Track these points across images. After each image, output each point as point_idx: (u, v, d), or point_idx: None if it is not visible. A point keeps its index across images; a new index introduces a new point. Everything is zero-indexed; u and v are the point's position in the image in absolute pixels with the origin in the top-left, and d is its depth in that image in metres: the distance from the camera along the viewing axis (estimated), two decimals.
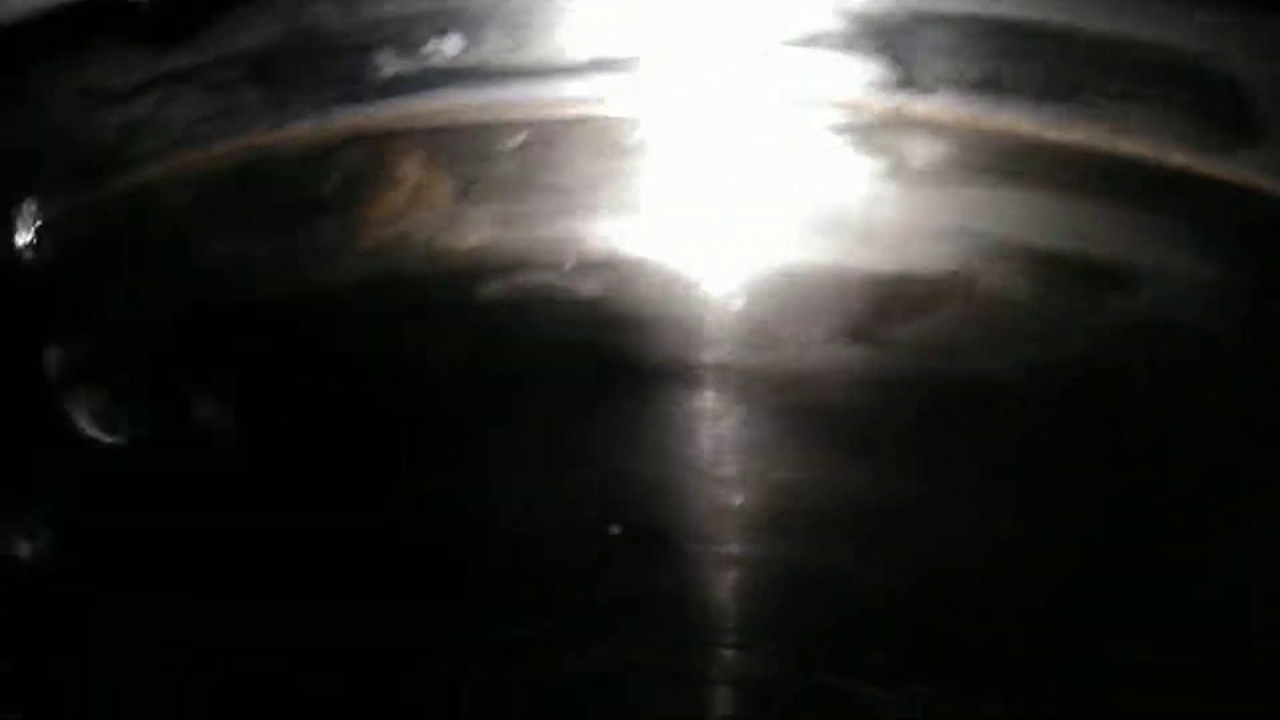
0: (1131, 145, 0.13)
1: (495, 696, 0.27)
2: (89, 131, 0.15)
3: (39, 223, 0.16)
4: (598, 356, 0.15)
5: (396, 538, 0.20)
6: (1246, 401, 0.13)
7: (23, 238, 0.16)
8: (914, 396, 0.15)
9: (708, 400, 0.16)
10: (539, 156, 0.14)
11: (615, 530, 0.20)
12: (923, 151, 0.13)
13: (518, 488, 0.18)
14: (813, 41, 0.13)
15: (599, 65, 0.14)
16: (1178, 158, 0.13)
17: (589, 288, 0.14)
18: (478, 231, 0.14)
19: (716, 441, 0.17)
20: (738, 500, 0.18)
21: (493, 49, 0.14)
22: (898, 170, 0.13)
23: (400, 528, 0.19)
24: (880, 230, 0.13)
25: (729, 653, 0.26)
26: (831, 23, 0.13)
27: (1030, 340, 0.14)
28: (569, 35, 0.14)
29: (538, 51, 0.14)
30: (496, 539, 0.20)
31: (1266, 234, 0.13)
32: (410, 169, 0.14)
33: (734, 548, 0.20)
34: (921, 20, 0.12)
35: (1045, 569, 0.19)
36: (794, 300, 0.14)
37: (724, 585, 0.22)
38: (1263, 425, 0.13)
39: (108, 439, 0.17)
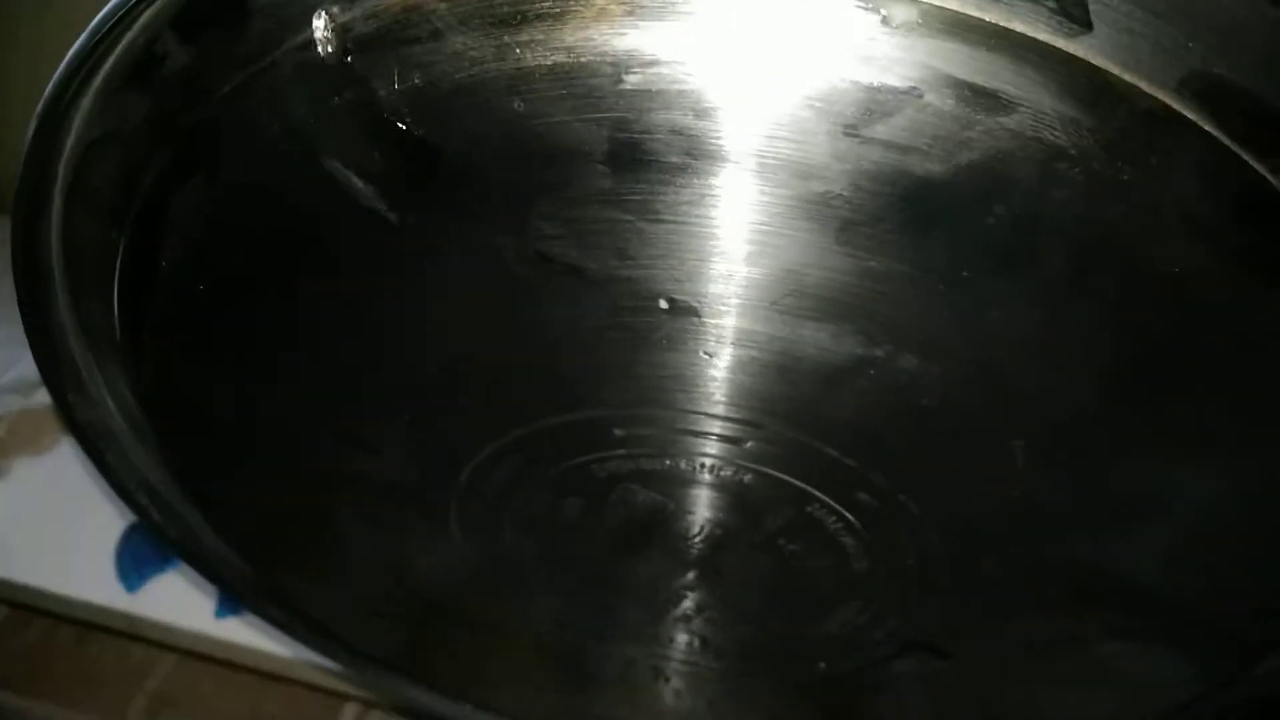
0: (1020, 26, 0.22)
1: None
2: None
3: (335, 23, 0.24)
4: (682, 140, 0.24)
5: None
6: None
7: (320, 33, 0.24)
8: (884, 185, 0.24)
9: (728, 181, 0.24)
10: None
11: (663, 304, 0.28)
12: (900, 13, 0.22)
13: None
14: None
15: None
16: (1044, 35, 0.22)
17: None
18: (631, 39, 0.23)
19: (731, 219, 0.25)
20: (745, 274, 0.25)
21: None
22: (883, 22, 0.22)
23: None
24: (865, 57, 0.22)
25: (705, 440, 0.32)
26: None
27: (956, 142, 0.23)
28: None
29: None
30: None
31: (1096, 88, 0.22)
32: None
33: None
34: None
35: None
36: (799, 100, 0.23)
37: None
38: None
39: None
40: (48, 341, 0.35)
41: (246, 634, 0.61)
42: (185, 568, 0.62)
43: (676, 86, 0.23)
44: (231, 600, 0.60)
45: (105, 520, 0.67)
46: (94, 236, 0.32)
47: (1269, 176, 0.22)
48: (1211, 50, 0.21)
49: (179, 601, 0.64)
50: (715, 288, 0.26)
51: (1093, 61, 0.22)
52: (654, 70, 0.22)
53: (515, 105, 0.23)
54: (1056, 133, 0.22)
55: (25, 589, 0.65)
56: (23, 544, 0.67)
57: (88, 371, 0.37)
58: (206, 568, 0.44)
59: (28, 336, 0.35)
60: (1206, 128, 0.22)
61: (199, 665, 0.83)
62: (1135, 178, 0.22)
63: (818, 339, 0.27)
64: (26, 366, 0.75)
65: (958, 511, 0.31)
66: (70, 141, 0.29)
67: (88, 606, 0.65)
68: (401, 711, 0.73)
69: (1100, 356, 0.26)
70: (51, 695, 0.83)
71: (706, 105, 0.23)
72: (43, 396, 0.74)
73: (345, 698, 0.81)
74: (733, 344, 0.28)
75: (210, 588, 0.61)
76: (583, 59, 0.23)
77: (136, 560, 0.66)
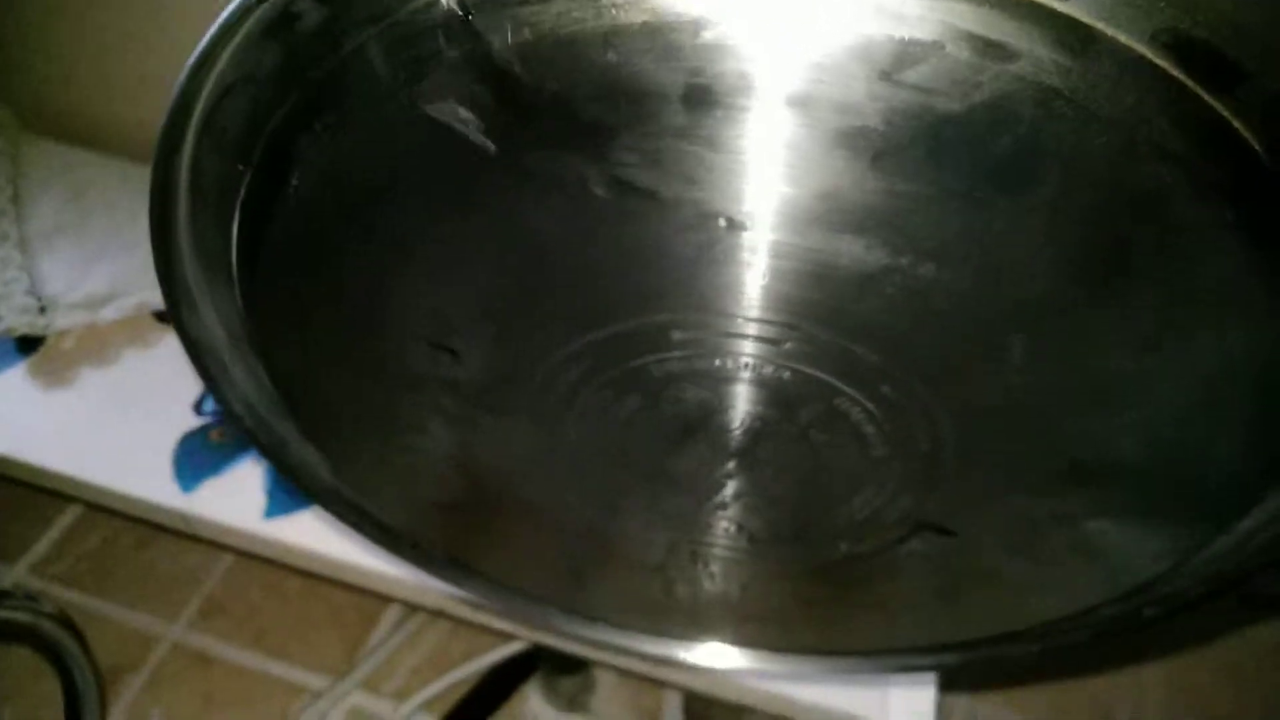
0: None
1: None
2: None
3: None
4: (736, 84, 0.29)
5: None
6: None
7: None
8: (912, 120, 0.29)
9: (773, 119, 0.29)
10: None
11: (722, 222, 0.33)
12: None
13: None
14: None
15: None
16: None
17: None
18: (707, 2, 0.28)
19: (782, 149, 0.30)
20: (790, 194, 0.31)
21: None
22: None
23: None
24: (898, 16, 0.27)
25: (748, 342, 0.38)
26: None
27: (971, 84, 0.28)
28: None
29: None
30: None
31: (1083, 40, 0.28)
32: None
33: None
34: None
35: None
36: (843, 52, 0.28)
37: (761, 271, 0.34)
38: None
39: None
40: (169, 263, 0.40)
41: (292, 534, 0.67)
42: (236, 472, 0.68)
43: (743, 41, 0.28)
44: (304, 502, 0.65)
45: (163, 426, 0.73)
46: (220, 170, 0.37)
47: (1224, 112, 0.28)
48: (1178, 9, 0.27)
49: (230, 502, 0.69)
50: (766, 206, 0.32)
51: (1080, 18, 0.27)
52: (724, 27, 0.28)
53: (609, 56, 0.28)
54: (1051, 77, 0.27)
55: (91, 486, 0.71)
56: (89, 446, 0.72)
57: (199, 291, 0.42)
58: (292, 474, 0.50)
59: (155, 259, 0.40)
60: (1174, 72, 0.27)
61: (248, 573, 0.90)
62: (1115, 113, 0.28)
63: (851, 251, 0.32)
64: (92, 285, 0.80)
65: (965, 400, 0.37)
66: (209, 86, 0.34)
67: (147, 505, 0.70)
68: (441, 614, 0.79)
69: (1087, 262, 0.31)
70: (112, 595, 0.90)
71: (767, 56, 0.28)
72: (107, 312, 0.80)
73: (387, 600, 0.87)
74: (778, 256, 0.33)
75: (260, 490, 0.67)
76: (666, 18, 0.28)
77: (192, 463, 0.71)
